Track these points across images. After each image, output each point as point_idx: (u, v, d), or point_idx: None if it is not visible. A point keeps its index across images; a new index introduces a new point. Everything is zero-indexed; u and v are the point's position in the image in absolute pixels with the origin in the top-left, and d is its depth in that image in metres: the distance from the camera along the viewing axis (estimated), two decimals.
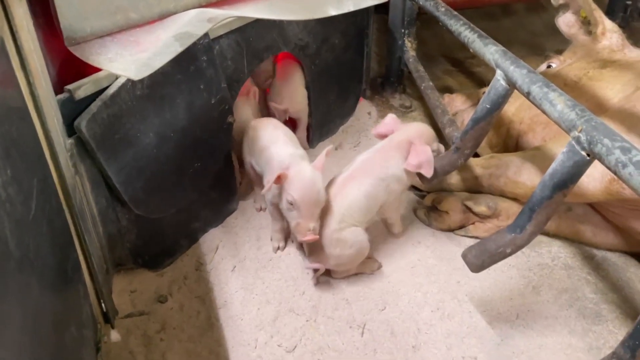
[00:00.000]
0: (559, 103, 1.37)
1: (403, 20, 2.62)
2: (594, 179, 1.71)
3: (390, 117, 1.95)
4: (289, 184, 1.59)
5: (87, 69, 1.40)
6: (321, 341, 1.57)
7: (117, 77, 1.43)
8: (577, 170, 1.29)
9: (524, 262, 1.84)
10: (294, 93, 2.28)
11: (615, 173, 1.16)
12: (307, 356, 1.53)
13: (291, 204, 1.58)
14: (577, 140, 1.26)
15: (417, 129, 1.89)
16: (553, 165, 1.33)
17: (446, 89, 3.04)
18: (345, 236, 1.65)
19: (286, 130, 1.88)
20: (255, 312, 1.67)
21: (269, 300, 1.71)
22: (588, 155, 1.25)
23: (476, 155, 2.48)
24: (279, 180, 1.60)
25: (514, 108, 2.31)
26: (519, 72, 1.56)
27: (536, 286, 1.77)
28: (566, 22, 2.37)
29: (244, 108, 2.08)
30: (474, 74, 3.21)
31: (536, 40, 3.68)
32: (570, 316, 1.66)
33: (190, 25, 1.51)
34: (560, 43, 3.25)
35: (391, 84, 2.94)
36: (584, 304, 1.70)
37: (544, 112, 1.42)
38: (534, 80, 1.49)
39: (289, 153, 1.70)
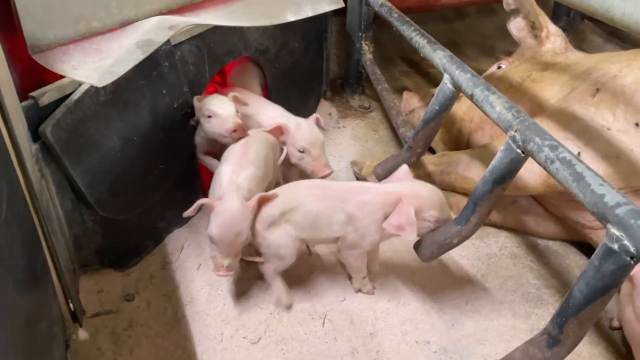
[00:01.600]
0: (497, 105, 1.49)
1: (360, 24, 2.72)
2: (534, 174, 1.86)
3: (404, 170, 1.68)
4: (212, 216, 1.55)
5: (51, 77, 1.44)
6: (284, 332, 1.66)
7: (80, 84, 1.47)
8: (513, 166, 1.42)
9: (473, 253, 1.98)
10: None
11: (545, 168, 1.29)
12: (271, 347, 1.61)
13: (210, 237, 1.56)
14: (513, 139, 1.39)
15: (416, 189, 1.60)
16: (493, 162, 1.45)
17: (403, 89, 3.16)
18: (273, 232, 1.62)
19: (247, 149, 1.76)
20: (221, 308, 1.74)
21: (234, 296, 1.78)
22: (523, 152, 1.38)
23: (432, 151, 2.63)
24: (208, 208, 1.59)
25: (465, 107, 2.45)
26: (464, 76, 1.68)
27: (484, 274, 1.90)
28: (516, 26, 2.53)
29: None
30: (429, 75, 3.36)
31: (487, 42, 3.86)
32: (514, 301, 1.80)
33: (152, 32, 1.57)
34: (510, 45, 3.44)
35: (350, 85, 3.05)
36: (527, 289, 1.84)
37: (485, 113, 1.55)
38: (476, 83, 1.62)
39: (228, 178, 1.65)
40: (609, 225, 1.08)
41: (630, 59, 1.88)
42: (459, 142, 2.49)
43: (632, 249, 1.02)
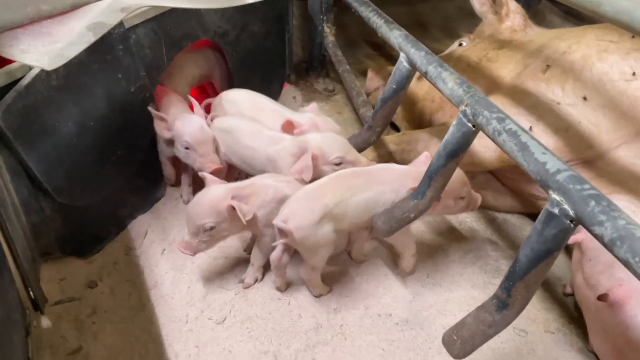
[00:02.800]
0: (449, 81, 1.53)
1: (321, 6, 2.73)
2: (490, 149, 1.91)
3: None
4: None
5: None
6: (249, 311, 1.68)
7: (30, 68, 1.45)
8: (465, 140, 1.46)
9: (434, 228, 2.03)
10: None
11: (493, 140, 1.33)
12: (236, 326, 1.63)
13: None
14: (464, 113, 1.43)
15: (320, 140, 1.78)
16: (446, 137, 1.49)
17: (366, 72, 3.20)
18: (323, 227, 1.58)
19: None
20: (186, 291, 1.75)
21: (199, 278, 1.79)
22: (473, 126, 1.41)
23: (398, 130, 2.67)
24: None
25: (426, 87, 2.49)
26: (418, 54, 1.71)
27: (445, 248, 1.96)
28: (479, 0, 2.57)
29: None
30: (392, 57, 3.38)
31: (449, 24, 3.91)
32: (473, 272, 1.86)
33: (103, 15, 1.55)
34: (472, 26, 3.47)
35: (314, 68, 3.06)
36: (485, 261, 1.90)
37: (438, 89, 1.58)
38: (430, 61, 1.65)
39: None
40: (550, 191, 1.13)
41: (579, 35, 1.94)
42: (422, 121, 2.53)
43: (571, 213, 1.07)
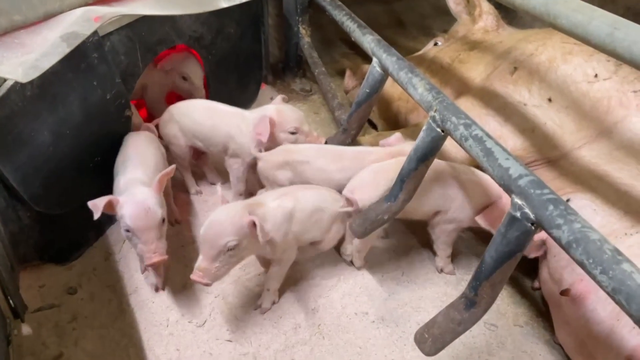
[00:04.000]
0: (419, 87, 1.57)
1: (296, 8, 2.75)
2: (461, 150, 1.97)
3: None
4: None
5: None
6: (229, 314, 1.72)
7: (4, 80, 1.45)
8: (435, 145, 1.51)
9: (408, 226, 2.08)
10: None
11: (461, 145, 1.38)
12: (216, 329, 1.67)
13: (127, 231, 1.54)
14: (433, 119, 1.48)
15: (278, 109, 1.95)
16: (417, 141, 1.54)
17: (343, 72, 3.23)
18: None
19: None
20: (166, 295, 1.78)
21: (179, 282, 1.82)
22: (442, 131, 1.47)
23: (375, 127, 2.73)
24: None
25: (401, 88, 2.54)
26: (390, 60, 1.76)
27: (418, 247, 2.01)
28: (454, 0, 2.63)
29: None
30: (368, 56, 3.41)
31: (425, 22, 3.97)
32: None
33: (77, 25, 1.56)
34: (446, 24, 3.55)
35: (291, 69, 3.08)
36: (458, 257, 1.97)
37: (409, 94, 1.63)
38: (401, 66, 1.70)
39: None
40: (512, 195, 1.18)
41: (545, 37, 2.01)
42: (397, 120, 2.58)
43: (532, 216, 1.13)
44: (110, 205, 1.54)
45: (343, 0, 2.30)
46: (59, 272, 1.81)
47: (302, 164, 1.84)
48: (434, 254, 1.92)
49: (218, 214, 1.50)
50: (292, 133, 1.94)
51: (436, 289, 1.85)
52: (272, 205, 1.61)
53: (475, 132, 1.34)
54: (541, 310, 1.78)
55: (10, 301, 1.55)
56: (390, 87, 2.61)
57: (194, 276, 1.47)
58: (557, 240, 1.07)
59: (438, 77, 2.42)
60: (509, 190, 1.20)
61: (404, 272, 1.91)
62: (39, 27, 1.56)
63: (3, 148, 1.48)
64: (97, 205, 1.51)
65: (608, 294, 0.96)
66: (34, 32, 1.53)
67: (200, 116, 2.00)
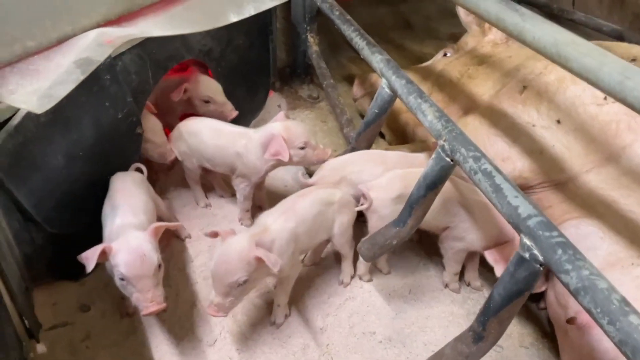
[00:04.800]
0: (429, 114, 1.58)
1: (304, 16, 2.75)
2: None
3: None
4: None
5: None
6: (239, 333, 1.75)
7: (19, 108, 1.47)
8: (444, 173, 1.52)
9: (416, 242, 2.10)
10: None
11: (470, 178, 1.40)
12: (227, 347, 1.70)
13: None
14: (443, 148, 1.49)
15: (286, 125, 1.93)
16: (425, 169, 1.56)
17: (350, 77, 3.24)
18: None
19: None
20: (177, 313, 1.81)
21: (190, 300, 1.85)
22: (451, 160, 1.48)
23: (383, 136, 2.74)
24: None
25: None
26: (399, 83, 1.77)
27: (426, 262, 2.04)
28: (465, 11, 2.62)
29: None
30: None
31: (431, 24, 3.96)
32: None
33: (90, 50, 1.56)
34: (452, 27, 3.54)
35: (298, 75, 3.09)
36: (464, 275, 1.99)
37: (418, 119, 1.64)
38: (410, 91, 1.71)
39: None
40: (522, 235, 1.20)
41: None
42: (405, 131, 2.60)
43: (540, 258, 1.15)
44: (103, 254, 1.48)
45: (352, 3, 2.28)
46: (71, 289, 1.85)
47: (357, 174, 1.89)
48: (443, 268, 1.95)
49: (225, 251, 1.51)
50: (302, 148, 1.92)
51: (443, 307, 1.87)
52: (276, 227, 1.63)
53: (484, 166, 1.35)
54: (546, 331, 1.81)
55: (26, 322, 1.58)
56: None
57: (209, 310, 1.52)
58: (565, 285, 1.09)
59: (446, 91, 2.43)
60: (517, 230, 1.22)
61: (411, 290, 1.93)
62: (52, 52, 1.56)
63: (17, 174, 1.50)
64: (89, 258, 1.46)
65: (615, 344, 0.98)
66: (48, 57, 1.54)
67: (207, 137, 2.02)
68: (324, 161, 1.94)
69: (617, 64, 1.09)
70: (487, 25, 2.51)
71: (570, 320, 1.51)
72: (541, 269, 1.17)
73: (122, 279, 1.48)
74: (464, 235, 1.81)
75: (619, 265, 1.47)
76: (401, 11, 4.12)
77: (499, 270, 1.69)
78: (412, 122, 2.53)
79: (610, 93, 1.10)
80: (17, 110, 1.47)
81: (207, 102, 2.19)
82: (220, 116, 2.19)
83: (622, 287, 1.07)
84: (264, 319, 1.79)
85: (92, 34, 1.64)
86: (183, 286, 1.89)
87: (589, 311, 1.03)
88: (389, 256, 1.99)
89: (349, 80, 3.21)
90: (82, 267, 1.86)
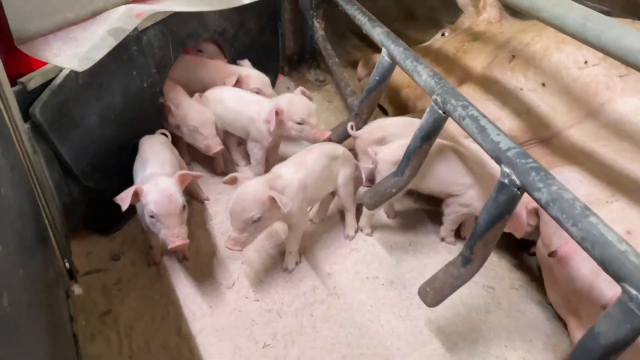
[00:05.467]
0: (424, 74, 1.76)
1: (311, 3, 2.94)
2: None
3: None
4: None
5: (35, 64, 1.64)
6: (255, 277, 1.93)
7: (61, 69, 1.67)
8: (437, 125, 1.70)
9: (415, 200, 2.27)
10: None
11: (459, 124, 1.57)
12: (244, 290, 1.88)
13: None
14: (436, 101, 1.67)
15: (289, 98, 2.12)
16: (421, 122, 1.73)
17: (355, 62, 3.43)
18: None
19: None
20: (198, 261, 1.99)
21: (209, 250, 2.03)
22: (443, 112, 1.66)
23: (386, 113, 2.92)
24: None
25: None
26: (397, 50, 1.95)
27: (425, 220, 2.21)
28: None
29: None
30: (378, 47, 3.60)
31: (434, 15, 4.13)
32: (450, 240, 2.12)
33: (121, 21, 1.77)
34: (454, 16, 3.69)
35: (306, 60, 3.28)
36: (460, 229, 2.15)
37: (414, 80, 1.82)
38: (407, 56, 1.89)
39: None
40: (502, 165, 1.38)
41: (541, 28, 2.17)
42: (407, 106, 2.77)
43: (517, 182, 1.33)
44: (136, 195, 1.66)
45: None
46: (103, 241, 2.04)
47: (396, 136, 2.04)
48: (439, 226, 2.12)
49: (242, 191, 1.70)
50: (299, 123, 2.09)
51: (440, 257, 2.04)
52: (288, 176, 1.82)
53: (471, 112, 1.53)
54: (535, 276, 1.97)
55: (66, 263, 1.78)
56: (399, 76, 2.79)
57: (227, 244, 1.69)
58: (538, 201, 1.26)
59: (444, 66, 2.60)
60: (499, 161, 1.39)
61: (411, 242, 2.10)
62: (88, 23, 1.77)
63: (59, 128, 1.69)
64: (123, 198, 1.65)
65: (578, 242, 1.15)
66: (84, 28, 1.75)
67: (229, 103, 2.23)
68: (319, 140, 2.09)
69: (580, 10, 1.27)
70: (481, 5, 2.69)
71: (552, 254, 1.68)
72: (519, 192, 1.34)
73: (151, 217, 1.67)
74: (470, 203, 1.94)
75: (595, 204, 1.62)
76: (405, 2, 4.30)
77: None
78: (412, 97, 2.71)
79: (574, 35, 1.27)
80: (60, 71, 1.66)
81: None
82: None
83: None
84: (277, 265, 1.97)
85: (123, 8, 1.85)
86: (204, 240, 2.07)
87: (557, 219, 1.20)
88: (391, 221, 2.18)
89: (354, 65, 3.38)
90: (113, 222, 2.07)
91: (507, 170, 1.36)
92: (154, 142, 2.00)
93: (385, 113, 2.93)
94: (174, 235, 1.65)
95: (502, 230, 1.45)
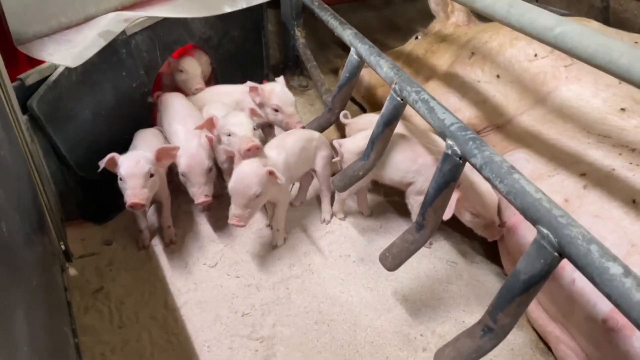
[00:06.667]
0: (385, 67, 1.95)
1: (292, 13, 3.16)
2: None
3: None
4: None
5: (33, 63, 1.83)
6: (236, 257, 2.09)
7: (56, 67, 1.86)
8: (396, 111, 1.88)
9: (386, 194, 2.44)
10: None
11: (413, 107, 1.75)
12: (225, 268, 2.04)
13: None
14: (394, 90, 1.85)
15: (271, 87, 2.32)
16: (382, 110, 1.91)
17: (336, 70, 3.63)
18: None
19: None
20: (184, 245, 2.15)
21: (195, 236, 2.20)
22: (401, 99, 1.84)
23: (364, 110, 3.10)
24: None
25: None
26: (363, 47, 2.14)
27: (396, 209, 2.37)
28: (435, 1, 3.02)
29: None
30: None
31: (412, 25, 4.35)
32: None
33: (110, 25, 1.97)
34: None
35: (290, 68, 3.49)
36: None
37: (377, 73, 2.01)
38: (371, 52, 2.08)
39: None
40: (446, 139, 1.55)
41: (499, 27, 2.37)
42: (382, 103, 2.93)
43: (459, 152, 1.50)
44: (167, 154, 1.95)
45: (339, 8, 2.69)
46: (96, 229, 2.21)
47: None
48: (408, 214, 2.28)
49: (242, 170, 1.86)
50: (275, 110, 2.27)
51: None
52: (274, 157, 2.01)
53: (423, 96, 1.71)
54: (496, 253, 2.12)
55: (62, 245, 1.94)
56: (375, 75, 2.99)
57: (231, 221, 1.85)
58: (474, 166, 1.43)
59: (414, 66, 2.80)
60: (444, 136, 1.57)
61: (382, 226, 2.27)
62: (80, 27, 1.96)
63: (55, 122, 1.88)
64: (163, 151, 1.92)
65: (504, 196, 1.32)
66: (77, 31, 1.94)
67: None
68: (291, 129, 2.26)
69: None
70: (449, 9, 2.91)
71: (502, 224, 1.85)
72: (460, 161, 1.51)
73: (182, 175, 1.97)
74: (423, 189, 2.06)
75: (539, 179, 1.80)
76: (385, 15, 4.53)
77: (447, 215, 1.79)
78: (386, 95, 2.88)
79: (502, 21, 1.46)
80: (55, 69, 1.85)
81: (276, 110, 2.29)
82: (286, 126, 2.31)
83: None
84: (257, 248, 2.13)
85: (112, 14, 2.05)
86: (189, 226, 2.24)
87: (488, 179, 1.37)
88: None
89: (335, 72, 3.60)
90: (105, 212, 2.23)
91: (450, 142, 1.53)
92: (147, 133, 2.19)
93: (364, 110, 3.12)
94: (200, 192, 1.97)
95: (449, 197, 1.62)
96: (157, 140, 2.16)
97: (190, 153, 1.99)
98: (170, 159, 1.98)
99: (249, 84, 2.31)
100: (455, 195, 1.80)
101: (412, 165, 2.08)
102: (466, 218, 1.96)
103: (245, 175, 1.85)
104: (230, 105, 2.40)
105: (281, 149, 2.05)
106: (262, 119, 2.31)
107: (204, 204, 2.00)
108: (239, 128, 2.00)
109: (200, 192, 1.98)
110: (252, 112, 2.14)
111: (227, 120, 2.05)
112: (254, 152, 1.92)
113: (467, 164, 1.50)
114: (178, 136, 2.11)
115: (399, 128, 2.08)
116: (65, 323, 1.63)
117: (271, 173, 1.85)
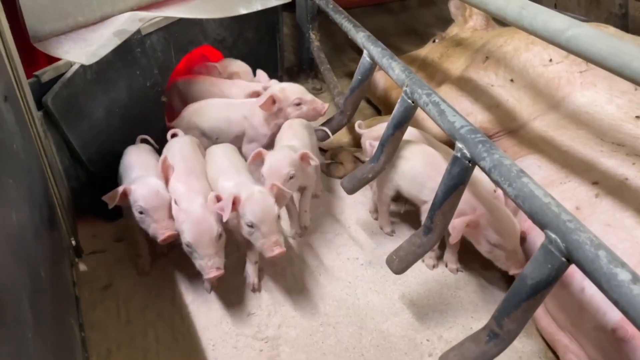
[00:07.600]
0: (396, 69, 1.94)
1: (307, 16, 3.17)
2: None
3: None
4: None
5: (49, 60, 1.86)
6: (244, 258, 2.08)
7: (72, 65, 1.89)
8: (407, 114, 1.87)
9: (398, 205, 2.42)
10: None
11: (424, 110, 1.74)
12: (231, 268, 2.04)
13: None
14: (405, 92, 1.84)
15: (282, 86, 2.31)
16: (393, 112, 1.91)
17: (352, 73, 3.62)
18: None
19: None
20: None
21: None
22: (412, 102, 1.83)
23: (379, 112, 3.09)
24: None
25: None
26: (376, 50, 2.14)
27: (407, 216, 2.35)
28: (455, 4, 3.02)
29: None
30: None
31: (428, 30, 4.34)
32: None
33: (125, 24, 2.00)
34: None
35: (304, 70, 3.49)
36: None
37: (389, 75, 2.00)
38: (384, 55, 2.08)
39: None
40: (456, 142, 1.54)
41: (515, 32, 2.36)
42: (392, 106, 2.94)
43: (468, 155, 1.48)
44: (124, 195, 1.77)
45: (356, 13, 2.69)
46: (108, 226, 2.23)
47: None
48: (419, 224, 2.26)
49: (275, 156, 1.93)
50: (297, 104, 2.25)
51: None
52: (298, 145, 2.05)
53: (434, 98, 1.70)
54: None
55: (73, 241, 1.96)
56: (389, 79, 2.98)
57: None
58: (483, 169, 1.42)
59: (428, 70, 2.79)
60: (453, 138, 1.55)
61: (392, 230, 2.25)
62: (96, 26, 1.99)
63: (69, 119, 1.90)
64: (110, 197, 1.76)
65: (513, 200, 1.30)
66: (93, 29, 1.97)
67: (215, 112, 2.32)
68: (322, 114, 2.25)
69: (518, 1, 1.44)
70: (467, 13, 2.89)
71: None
72: (469, 164, 1.50)
73: (141, 212, 1.76)
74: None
75: (550, 185, 1.78)
76: (402, 19, 4.53)
77: (453, 238, 1.73)
78: (395, 97, 2.87)
79: (514, 24, 1.45)
80: (70, 66, 1.88)
81: (298, 104, 2.25)
82: (313, 113, 2.27)
83: None
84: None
85: (127, 14, 2.08)
86: None
87: (497, 183, 1.36)
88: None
89: (350, 76, 3.59)
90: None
91: (460, 145, 1.51)
92: (139, 151, 2.05)
93: (379, 113, 3.11)
94: (163, 227, 1.73)
95: (458, 201, 1.60)
96: (154, 157, 2.04)
97: (196, 219, 1.68)
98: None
99: (258, 101, 2.22)
100: (465, 219, 1.70)
101: (431, 183, 1.99)
102: (484, 248, 1.78)
103: (279, 161, 1.91)
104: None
105: (296, 138, 2.09)
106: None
107: (214, 278, 1.71)
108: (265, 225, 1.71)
109: (210, 265, 1.68)
110: (304, 158, 1.97)
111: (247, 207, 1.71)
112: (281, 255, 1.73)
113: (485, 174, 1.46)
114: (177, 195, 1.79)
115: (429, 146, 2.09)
116: (72, 316, 1.64)
117: (304, 156, 1.93)
